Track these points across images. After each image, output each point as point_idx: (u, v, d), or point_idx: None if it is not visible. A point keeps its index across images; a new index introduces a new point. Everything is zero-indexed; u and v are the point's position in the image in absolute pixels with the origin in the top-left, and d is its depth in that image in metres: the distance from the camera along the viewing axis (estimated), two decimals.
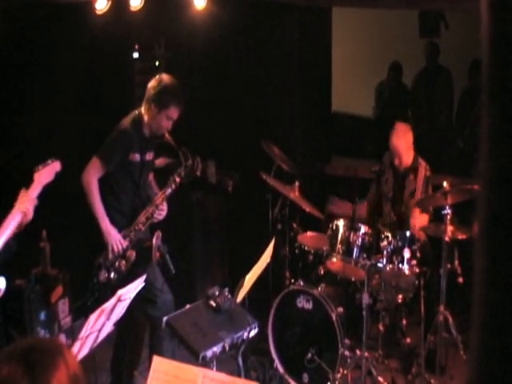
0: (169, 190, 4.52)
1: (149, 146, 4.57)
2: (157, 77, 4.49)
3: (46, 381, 1.77)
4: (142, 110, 4.48)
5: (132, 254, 4.43)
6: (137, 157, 4.48)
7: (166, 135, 4.49)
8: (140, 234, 4.49)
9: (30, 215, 3.39)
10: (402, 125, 5.29)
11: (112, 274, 4.38)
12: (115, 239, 4.38)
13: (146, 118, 4.46)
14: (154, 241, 4.41)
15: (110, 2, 5.12)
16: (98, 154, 4.39)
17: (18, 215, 3.33)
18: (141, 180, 4.55)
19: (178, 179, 4.52)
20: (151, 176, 4.73)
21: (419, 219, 5.05)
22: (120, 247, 4.38)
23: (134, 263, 4.43)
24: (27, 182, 3.54)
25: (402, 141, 5.17)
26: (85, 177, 4.35)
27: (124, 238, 4.43)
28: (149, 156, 4.59)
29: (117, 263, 4.39)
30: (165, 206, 4.53)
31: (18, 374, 1.75)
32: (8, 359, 1.77)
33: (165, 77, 4.48)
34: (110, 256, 4.38)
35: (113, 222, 4.41)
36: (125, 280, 4.33)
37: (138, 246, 4.46)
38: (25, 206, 3.35)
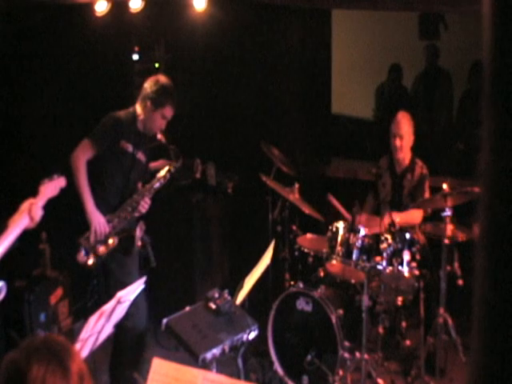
0: (157, 184, 4.54)
1: (142, 144, 4.59)
2: (153, 77, 4.60)
3: (71, 362, 1.83)
4: (137, 107, 4.56)
5: (114, 241, 4.43)
6: (129, 147, 4.51)
7: (159, 135, 4.55)
8: (124, 223, 4.50)
9: (37, 219, 3.40)
10: (405, 112, 5.28)
11: (91, 260, 4.37)
12: (99, 221, 4.38)
13: (140, 115, 4.53)
14: (137, 231, 4.43)
15: (109, 4, 5.14)
16: (89, 136, 4.44)
17: (25, 219, 3.34)
18: (130, 174, 4.56)
19: (167, 175, 4.54)
20: (140, 184, 4.67)
21: (406, 214, 5.03)
22: (103, 230, 4.39)
23: (113, 250, 4.44)
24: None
25: (405, 123, 5.16)
26: (73, 156, 4.38)
27: (108, 222, 4.43)
28: (141, 155, 4.61)
29: (97, 247, 4.39)
30: (148, 200, 4.54)
31: (45, 363, 1.78)
32: (30, 357, 1.79)
33: (162, 77, 4.61)
34: (92, 238, 4.38)
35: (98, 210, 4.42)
36: (102, 267, 4.36)
37: (120, 234, 4.47)
38: (34, 211, 3.35)
